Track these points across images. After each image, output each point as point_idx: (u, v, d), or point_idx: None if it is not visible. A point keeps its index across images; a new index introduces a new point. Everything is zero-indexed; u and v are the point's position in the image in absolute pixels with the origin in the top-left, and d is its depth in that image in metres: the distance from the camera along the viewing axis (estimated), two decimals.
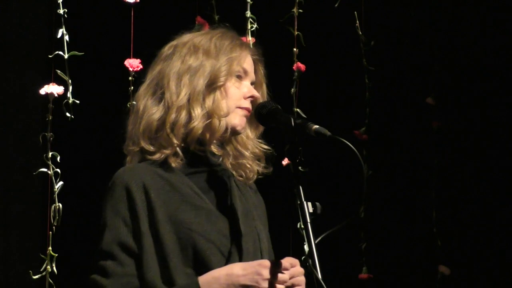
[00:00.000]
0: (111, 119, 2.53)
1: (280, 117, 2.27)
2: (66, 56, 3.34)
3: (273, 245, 2.45)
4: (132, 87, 3.32)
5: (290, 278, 2.21)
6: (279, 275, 2.19)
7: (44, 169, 3.31)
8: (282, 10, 3.71)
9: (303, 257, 3.48)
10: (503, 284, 4.16)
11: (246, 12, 3.56)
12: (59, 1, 3.36)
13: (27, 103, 3.72)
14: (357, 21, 4.03)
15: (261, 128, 2.44)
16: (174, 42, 2.42)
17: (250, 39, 3.50)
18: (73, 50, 3.35)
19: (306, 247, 2.35)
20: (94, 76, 3.73)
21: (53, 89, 3.30)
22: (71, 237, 3.53)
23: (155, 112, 2.34)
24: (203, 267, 2.23)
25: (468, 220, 4.23)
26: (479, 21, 4.27)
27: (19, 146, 3.74)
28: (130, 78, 3.35)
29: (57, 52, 3.34)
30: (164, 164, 2.32)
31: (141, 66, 3.31)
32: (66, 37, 3.35)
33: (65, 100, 3.34)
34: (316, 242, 2.09)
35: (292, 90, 3.68)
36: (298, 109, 3.67)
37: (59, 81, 3.34)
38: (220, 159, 2.37)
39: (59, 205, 3.31)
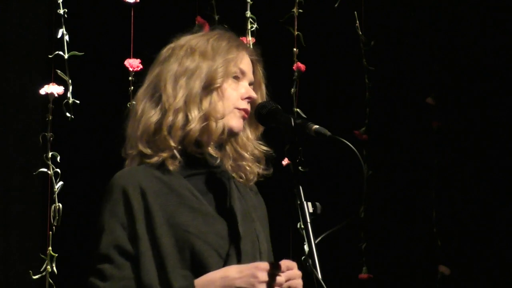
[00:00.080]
0: (111, 119, 2.53)
1: (280, 117, 2.27)
2: (66, 56, 3.34)
3: (273, 245, 2.45)
4: (132, 87, 3.32)
5: (286, 281, 2.20)
6: (275, 277, 2.18)
7: (44, 169, 3.32)
8: (282, 10, 3.71)
9: (303, 257, 3.48)
10: (503, 284, 4.16)
11: (246, 12, 3.56)
12: (59, 1, 3.36)
13: (27, 103, 3.72)
14: (357, 21, 4.04)
15: (261, 129, 2.43)
16: (171, 45, 2.42)
17: (250, 39, 3.50)
18: (73, 50, 3.36)
19: (306, 247, 2.35)
20: (94, 76, 3.73)
21: (53, 89, 3.30)
22: (71, 237, 3.53)
23: (153, 115, 2.34)
24: (200, 269, 2.22)
25: (468, 220, 4.23)
26: (479, 21, 4.27)
27: (19, 146, 3.74)
28: (130, 78, 3.35)
29: (57, 52, 3.35)
30: (162, 166, 2.31)
31: (141, 66, 3.31)
32: (66, 37, 3.35)
33: (65, 100, 3.34)
34: (316, 242, 2.09)
35: (292, 90, 3.68)
36: (298, 109, 3.67)
37: (59, 81, 3.34)
38: (218, 160, 2.35)
39: (59, 205, 3.31)
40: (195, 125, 2.31)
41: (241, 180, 2.40)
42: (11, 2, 3.75)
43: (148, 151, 2.32)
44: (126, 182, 2.28)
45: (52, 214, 3.30)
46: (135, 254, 2.23)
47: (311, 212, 2.12)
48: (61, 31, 3.35)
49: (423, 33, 4.32)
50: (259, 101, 2.41)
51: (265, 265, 2.19)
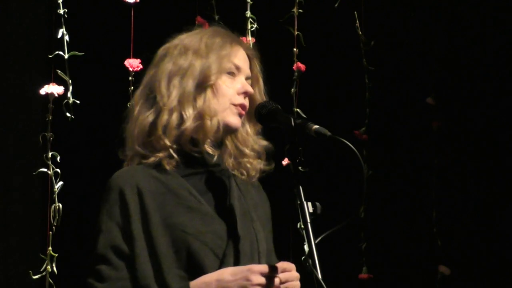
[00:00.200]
0: (111, 119, 2.53)
1: (280, 117, 2.27)
2: (66, 56, 3.34)
3: (274, 245, 2.45)
4: (132, 87, 3.32)
5: (283, 283, 2.19)
6: (270, 280, 2.18)
7: (44, 169, 3.31)
8: (282, 10, 3.71)
9: (303, 257, 3.48)
10: (503, 284, 4.16)
11: (246, 12, 3.56)
12: (59, 1, 3.36)
13: (27, 103, 3.72)
14: (357, 21, 4.04)
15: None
16: (166, 45, 2.42)
17: (250, 39, 3.50)
18: (73, 50, 3.35)
19: (306, 247, 2.35)
20: (94, 76, 3.73)
21: (53, 89, 3.30)
22: (71, 237, 3.53)
23: (148, 116, 2.34)
24: (196, 269, 2.22)
25: (468, 220, 4.23)
26: (479, 21, 4.27)
27: (19, 146, 3.73)
28: (130, 78, 3.35)
29: (57, 52, 3.35)
30: (159, 166, 2.31)
31: (141, 66, 3.31)
32: (66, 37, 3.35)
33: (65, 100, 3.34)
34: (316, 242, 2.09)
35: (292, 90, 3.68)
36: (298, 109, 3.67)
37: (59, 81, 3.34)
38: (215, 158, 2.34)
39: (59, 205, 3.31)
40: (189, 123, 2.30)
41: (243, 177, 2.39)
42: (11, 2, 3.75)
43: (144, 151, 2.33)
44: (123, 182, 2.28)
45: (52, 214, 3.30)
46: (131, 255, 2.23)
47: (311, 212, 2.12)
48: (61, 31, 3.35)
49: (423, 33, 4.32)
50: (257, 95, 2.40)
51: (259, 267, 2.18)
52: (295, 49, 3.69)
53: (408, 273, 4.29)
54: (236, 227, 2.28)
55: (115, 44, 3.52)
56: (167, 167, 2.30)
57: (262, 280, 2.17)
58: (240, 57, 2.39)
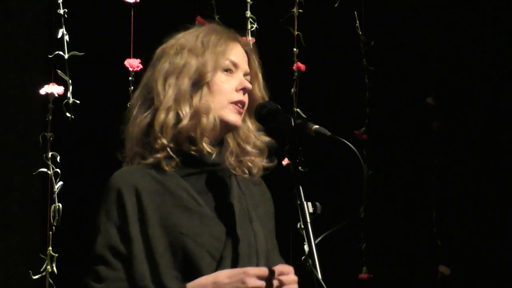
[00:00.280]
0: (111, 119, 2.53)
1: (280, 117, 2.27)
2: (66, 56, 3.34)
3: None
4: (132, 87, 3.32)
5: (279, 286, 2.19)
6: (265, 283, 2.17)
7: (44, 169, 3.31)
8: (282, 10, 3.71)
9: (303, 257, 3.48)
10: (503, 284, 4.16)
11: (246, 12, 3.56)
12: (59, 1, 3.36)
13: (27, 103, 3.72)
14: (357, 21, 4.04)
15: None
16: (163, 45, 2.41)
17: (250, 39, 3.50)
18: (73, 50, 3.35)
19: (306, 247, 2.34)
20: (94, 76, 3.73)
21: (53, 89, 3.30)
22: (71, 237, 3.53)
23: (146, 116, 2.34)
24: (193, 271, 2.22)
25: (468, 220, 4.23)
26: (479, 21, 4.27)
27: (19, 146, 3.73)
28: (130, 78, 3.35)
29: (57, 52, 3.35)
30: (158, 166, 2.31)
31: (141, 66, 3.31)
32: (66, 37, 3.35)
33: (65, 100, 3.34)
34: (316, 242, 2.09)
35: (292, 90, 3.68)
36: (298, 109, 3.67)
37: (59, 81, 3.34)
38: (213, 156, 2.33)
39: (59, 205, 3.31)
40: (186, 122, 2.30)
41: (245, 175, 2.38)
42: (11, 2, 3.75)
43: (143, 152, 2.32)
44: (121, 182, 2.28)
45: (52, 214, 3.30)
46: (128, 255, 2.23)
47: (311, 212, 2.12)
48: (61, 31, 3.35)
49: (423, 33, 4.32)
50: (256, 91, 2.40)
51: (255, 270, 2.18)
52: (295, 49, 3.69)
53: (408, 273, 4.29)
54: (235, 228, 2.28)
55: (115, 44, 3.52)
56: (166, 168, 2.30)
57: (258, 283, 2.16)
58: (237, 54, 2.38)
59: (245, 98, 2.36)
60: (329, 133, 2.15)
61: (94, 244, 2.26)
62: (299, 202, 2.14)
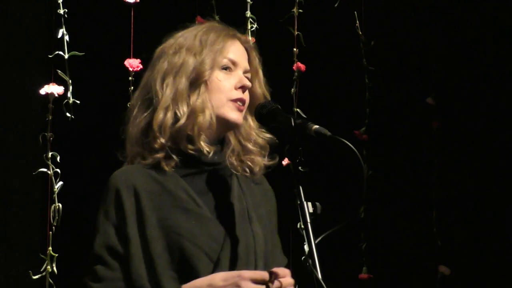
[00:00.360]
0: (111, 119, 2.53)
1: (280, 117, 2.26)
2: (66, 56, 3.34)
3: None
4: (132, 87, 3.32)
5: None
6: (260, 286, 2.17)
7: (44, 169, 3.31)
8: (282, 10, 3.71)
9: (303, 257, 3.48)
10: (503, 284, 4.16)
11: (246, 12, 3.56)
12: (59, 1, 3.36)
13: (27, 103, 3.71)
14: (357, 21, 4.04)
15: None
16: (163, 44, 2.41)
17: (250, 39, 3.50)
18: (73, 50, 3.35)
19: (306, 247, 2.34)
20: (94, 76, 3.73)
21: (53, 89, 3.30)
22: (71, 237, 3.53)
23: (145, 117, 2.34)
24: (190, 272, 2.22)
25: (468, 220, 4.23)
26: (479, 21, 4.27)
27: (19, 146, 3.73)
28: (130, 78, 3.35)
29: (57, 52, 3.35)
30: (158, 166, 2.31)
31: (141, 66, 3.31)
32: (66, 37, 3.35)
33: (65, 100, 3.34)
34: (316, 242, 2.09)
35: (292, 90, 3.68)
36: (298, 109, 3.67)
37: (59, 81, 3.34)
38: (211, 154, 2.32)
39: (59, 205, 3.31)
40: (183, 121, 2.29)
41: (247, 174, 2.38)
42: (11, 2, 3.75)
43: (143, 152, 2.32)
44: (120, 182, 2.28)
45: (52, 214, 3.30)
46: (125, 256, 2.23)
47: (311, 212, 2.12)
48: (61, 31, 3.35)
49: (423, 33, 4.32)
50: (257, 88, 2.39)
51: (250, 273, 2.17)
52: (295, 49, 3.69)
53: (408, 273, 4.29)
54: (233, 229, 2.28)
55: (115, 44, 3.52)
56: (166, 168, 2.30)
57: (252, 286, 2.16)
58: (235, 51, 2.37)
59: (245, 96, 2.36)
60: (329, 133, 2.14)
61: (93, 244, 2.26)
62: (299, 202, 2.13)
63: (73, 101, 3.35)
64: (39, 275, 3.28)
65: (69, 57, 3.35)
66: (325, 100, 4.26)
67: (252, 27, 3.55)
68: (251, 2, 3.57)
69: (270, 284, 2.17)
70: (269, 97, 2.41)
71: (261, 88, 2.40)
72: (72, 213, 3.44)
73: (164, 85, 2.33)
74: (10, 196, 3.72)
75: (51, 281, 3.28)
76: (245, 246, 2.27)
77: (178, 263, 2.23)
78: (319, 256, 2.07)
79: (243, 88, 2.35)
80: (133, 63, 3.34)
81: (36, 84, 3.35)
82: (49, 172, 3.31)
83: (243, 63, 2.38)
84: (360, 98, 4.14)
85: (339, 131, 2.16)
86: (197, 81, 2.32)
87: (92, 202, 2.43)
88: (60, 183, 3.32)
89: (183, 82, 2.32)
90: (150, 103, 2.34)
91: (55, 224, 3.29)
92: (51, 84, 3.32)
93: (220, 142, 2.37)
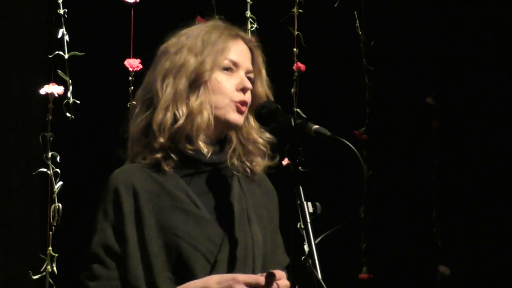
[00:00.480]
0: (111, 119, 2.53)
1: (280, 117, 2.26)
2: (66, 56, 3.34)
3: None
4: (132, 87, 3.32)
5: None
6: None
7: (44, 169, 3.31)
8: (282, 10, 3.71)
9: (303, 257, 3.48)
10: (503, 284, 4.16)
11: (246, 12, 3.56)
12: (59, 1, 3.36)
13: (27, 103, 3.72)
14: (357, 21, 4.04)
15: None
16: (166, 43, 2.40)
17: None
18: (73, 50, 3.35)
19: (306, 247, 2.34)
20: (94, 76, 3.73)
21: (53, 89, 3.30)
22: (71, 237, 3.53)
23: (146, 116, 2.33)
24: (187, 273, 2.22)
25: (468, 220, 4.23)
26: (479, 21, 4.27)
27: (19, 146, 3.73)
28: (130, 78, 3.35)
29: (57, 52, 3.35)
30: (158, 166, 2.31)
31: (141, 66, 3.31)
32: (66, 37, 3.35)
33: (65, 100, 3.34)
34: (316, 242, 2.08)
35: (292, 90, 3.68)
36: (298, 109, 3.67)
37: (59, 81, 3.34)
38: (209, 155, 2.31)
39: (59, 205, 3.31)
40: (182, 121, 2.29)
41: (247, 173, 2.37)
42: (11, 2, 3.75)
43: (143, 152, 2.32)
44: (119, 182, 2.28)
45: (52, 214, 3.30)
46: (123, 255, 2.23)
47: (311, 212, 2.12)
48: (61, 31, 3.35)
49: (423, 33, 4.32)
50: (259, 88, 2.38)
51: (244, 277, 2.17)
52: (295, 49, 3.69)
53: (408, 273, 4.29)
54: (232, 230, 2.27)
55: (115, 44, 3.52)
56: (166, 168, 2.30)
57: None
58: (238, 52, 2.36)
59: (247, 97, 2.35)
60: (329, 133, 2.14)
61: (90, 242, 2.27)
62: (299, 202, 2.13)
63: (73, 101, 3.35)
64: (39, 275, 3.28)
65: (69, 57, 3.35)
66: (325, 100, 4.26)
67: (252, 27, 3.55)
68: (251, 2, 3.57)
69: (265, 286, 2.17)
70: (271, 97, 2.40)
71: (263, 88, 2.39)
72: (72, 213, 3.44)
73: (165, 85, 2.32)
74: (10, 196, 3.73)
75: (51, 281, 3.28)
76: (243, 248, 2.27)
77: (175, 264, 2.22)
78: (319, 256, 2.07)
79: (244, 89, 2.34)
80: (133, 63, 3.34)
81: (36, 84, 3.35)
82: (49, 172, 3.31)
83: (245, 63, 2.37)
84: (360, 98, 4.14)
85: (339, 131, 2.16)
86: (197, 82, 2.32)
87: (92, 202, 2.43)
88: (60, 183, 3.32)
89: (183, 83, 2.31)
90: (151, 103, 2.34)
91: (55, 224, 3.29)
92: (51, 84, 3.32)
93: (220, 141, 2.37)
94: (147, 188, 2.28)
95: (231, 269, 2.24)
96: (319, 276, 2.06)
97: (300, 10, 3.69)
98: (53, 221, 3.29)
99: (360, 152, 2.65)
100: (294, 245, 3.52)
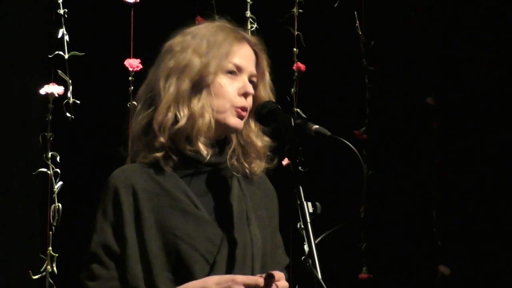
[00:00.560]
0: (111, 119, 2.53)
1: (280, 117, 2.26)
2: (66, 56, 3.34)
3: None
4: (132, 87, 3.32)
5: None
6: None
7: (44, 169, 3.31)
8: (282, 10, 3.71)
9: (303, 257, 3.48)
10: (503, 284, 4.16)
11: (246, 12, 3.56)
12: (59, 1, 3.36)
13: (27, 103, 3.72)
14: (357, 21, 4.04)
15: None
16: (170, 40, 2.39)
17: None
18: (73, 50, 3.35)
19: (306, 247, 2.35)
20: (94, 76, 3.73)
21: (53, 89, 3.30)
22: (71, 237, 3.53)
23: (147, 114, 2.33)
24: (186, 273, 2.22)
25: (468, 220, 4.23)
26: (479, 21, 4.27)
27: (19, 146, 3.73)
28: (130, 78, 3.35)
29: (57, 52, 3.35)
30: (158, 166, 2.31)
31: (141, 66, 3.31)
32: (66, 37, 3.35)
33: (65, 100, 3.34)
34: (316, 242, 2.08)
35: (292, 90, 3.68)
36: (298, 109, 3.67)
37: (59, 81, 3.34)
38: (208, 156, 2.31)
39: (59, 205, 3.31)
40: (183, 123, 2.29)
41: (247, 174, 2.37)
42: (11, 2, 3.75)
43: (143, 150, 2.32)
44: (119, 182, 2.28)
45: (52, 214, 3.30)
46: (122, 255, 2.23)
47: (311, 212, 2.12)
48: (61, 31, 3.35)
49: (423, 33, 4.32)
50: (261, 92, 2.37)
51: (243, 278, 2.17)
52: (295, 49, 3.69)
53: (408, 273, 4.29)
54: (231, 231, 2.27)
55: (115, 44, 3.52)
56: (165, 168, 2.30)
57: None
58: (242, 55, 2.36)
59: (248, 102, 2.34)
60: (329, 133, 2.14)
61: (90, 242, 2.27)
62: (299, 202, 2.13)
63: (73, 101, 3.35)
64: (39, 275, 3.28)
65: (69, 57, 3.35)
66: (325, 100, 4.26)
67: (252, 27, 3.55)
68: (251, 2, 3.57)
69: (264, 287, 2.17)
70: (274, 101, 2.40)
71: (266, 92, 2.39)
72: (72, 213, 3.44)
73: (167, 84, 2.32)
74: (10, 195, 3.72)
75: (51, 281, 3.28)
76: (243, 248, 2.27)
77: (175, 264, 2.22)
78: (319, 256, 2.07)
79: (245, 94, 2.34)
80: (133, 63, 3.34)
81: (36, 84, 3.35)
82: (49, 172, 3.31)
83: (249, 68, 2.36)
84: (360, 98, 4.14)
85: (339, 131, 2.16)
86: (200, 84, 2.31)
87: (92, 202, 2.43)
88: (60, 183, 3.32)
89: (186, 84, 2.31)
90: (153, 101, 2.33)
91: (55, 224, 3.29)
92: (51, 84, 3.32)
93: (220, 142, 2.37)
94: (147, 188, 2.28)
95: (230, 269, 2.24)
96: (319, 276, 2.06)
97: (300, 10, 3.69)
98: (53, 221, 3.29)
99: (360, 152, 2.66)
100: (294, 245, 3.52)
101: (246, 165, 2.37)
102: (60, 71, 3.34)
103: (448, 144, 4.30)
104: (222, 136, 2.36)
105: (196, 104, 2.29)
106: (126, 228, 2.24)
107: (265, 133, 2.42)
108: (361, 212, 4.04)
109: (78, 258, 2.32)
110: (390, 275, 4.26)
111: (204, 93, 2.31)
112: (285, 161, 3.31)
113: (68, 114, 3.34)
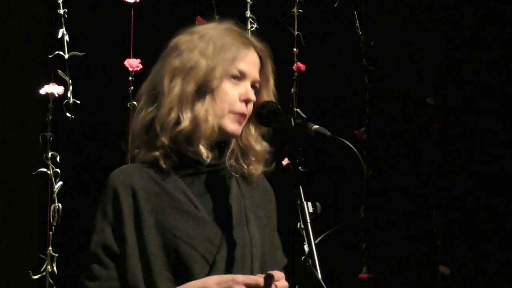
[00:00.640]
0: (111, 119, 2.53)
1: (280, 117, 2.26)
2: (66, 56, 3.35)
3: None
4: (132, 87, 3.32)
5: None
6: None
7: (44, 169, 3.31)
8: (282, 10, 3.71)
9: (303, 257, 3.48)
10: (503, 284, 4.16)
11: (246, 12, 3.56)
12: (59, 1, 3.36)
13: (27, 103, 3.72)
14: (357, 21, 4.04)
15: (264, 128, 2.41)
16: (178, 38, 2.37)
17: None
18: (73, 50, 3.36)
19: (306, 247, 2.35)
20: (94, 76, 3.73)
21: (53, 89, 3.30)
22: (71, 237, 3.53)
23: (149, 112, 2.33)
24: (185, 273, 2.21)
25: (468, 220, 4.23)
26: (479, 21, 4.27)
27: (19, 146, 3.73)
28: (130, 78, 3.35)
29: (57, 52, 3.35)
30: (157, 165, 2.30)
31: (141, 66, 3.31)
32: (66, 37, 3.36)
33: (65, 100, 3.35)
34: (316, 242, 2.09)
35: (292, 90, 3.68)
36: (298, 109, 3.67)
37: (59, 81, 3.34)
38: (209, 159, 2.31)
39: (58, 205, 3.31)
40: (185, 125, 2.28)
41: (245, 175, 2.37)
42: (11, 2, 3.75)
43: (143, 147, 2.32)
44: (118, 182, 2.27)
45: (52, 214, 3.30)
46: (122, 255, 2.23)
47: (311, 212, 2.12)
48: (61, 31, 3.35)
49: (423, 33, 4.32)
50: (264, 98, 2.36)
51: (243, 278, 2.16)
52: (295, 49, 3.69)
53: (408, 273, 4.29)
54: (230, 231, 2.27)
55: (115, 44, 3.52)
56: (164, 167, 2.29)
57: None
58: (248, 61, 2.35)
59: (248, 109, 2.33)
60: (329, 133, 2.14)
61: (89, 242, 2.27)
62: (299, 202, 2.13)
63: (73, 101, 3.35)
64: (39, 275, 3.28)
65: (69, 57, 3.35)
66: (325, 100, 4.26)
67: (252, 27, 3.55)
68: (251, 2, 3.58)
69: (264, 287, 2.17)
70: None
71: (269, 97, 2.37)
72: (72, 213, 3.44)
73: (172, 84, 2.31)
74: (10, 195, 3.73)
75: (51, 281, 3.28)
76: (242, 249, 2.27)
77: (174, 264, 2.22)
78: (319, 256, 2.07)
79: (247, 101, 2.33)
80: (133, 63, 3.34)
81: (36, 84, 3.35)
82: (49, 172, 3.31)
83: (253, 74, 2.35)
84: (360, 98, 4.14)
85: (339, 131, 2.16)
86: (204, 88, 2.30)
87: (92, 202, 2.43)
88: (60, 183, 3.32)
89: (191, 86, 2.29)
90: (156, 99, 2.33)
91: (55, 224, 3.29)
92: (51, 84, 3.32)
93: (219, 144, 2.37)
94: (146, 188, 2.27)
95: (229, 269, 2.24)
96: (319, 276, 2.06)
97: (300, 10, 3.70)
98: (53, 221, 3.30)
99: (360, 152, 2.66)
100: (294, 245, 3.53)
101: (245, 166, 2.37)
102: (60, 71, 3.34)
103: (448, 144, 4.30)
104: (222, 139, 2.36)
105: (200, 108, 2.29)
106: (126, 228, 2.24)
107: (264, 138, 2.41)
108: (361, 212, 4.04)
109: (78, 258, 2.32)
110: (390, 275, 4.26)
111: (208, 97, 2.30)
112: (285, 161, 3.31)
113: (68, 114, 3.34)
